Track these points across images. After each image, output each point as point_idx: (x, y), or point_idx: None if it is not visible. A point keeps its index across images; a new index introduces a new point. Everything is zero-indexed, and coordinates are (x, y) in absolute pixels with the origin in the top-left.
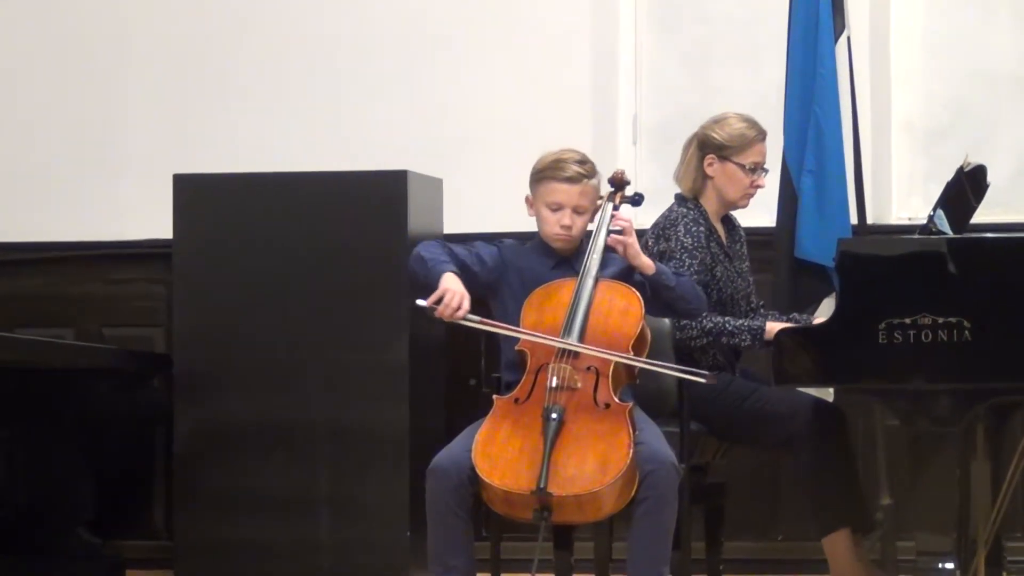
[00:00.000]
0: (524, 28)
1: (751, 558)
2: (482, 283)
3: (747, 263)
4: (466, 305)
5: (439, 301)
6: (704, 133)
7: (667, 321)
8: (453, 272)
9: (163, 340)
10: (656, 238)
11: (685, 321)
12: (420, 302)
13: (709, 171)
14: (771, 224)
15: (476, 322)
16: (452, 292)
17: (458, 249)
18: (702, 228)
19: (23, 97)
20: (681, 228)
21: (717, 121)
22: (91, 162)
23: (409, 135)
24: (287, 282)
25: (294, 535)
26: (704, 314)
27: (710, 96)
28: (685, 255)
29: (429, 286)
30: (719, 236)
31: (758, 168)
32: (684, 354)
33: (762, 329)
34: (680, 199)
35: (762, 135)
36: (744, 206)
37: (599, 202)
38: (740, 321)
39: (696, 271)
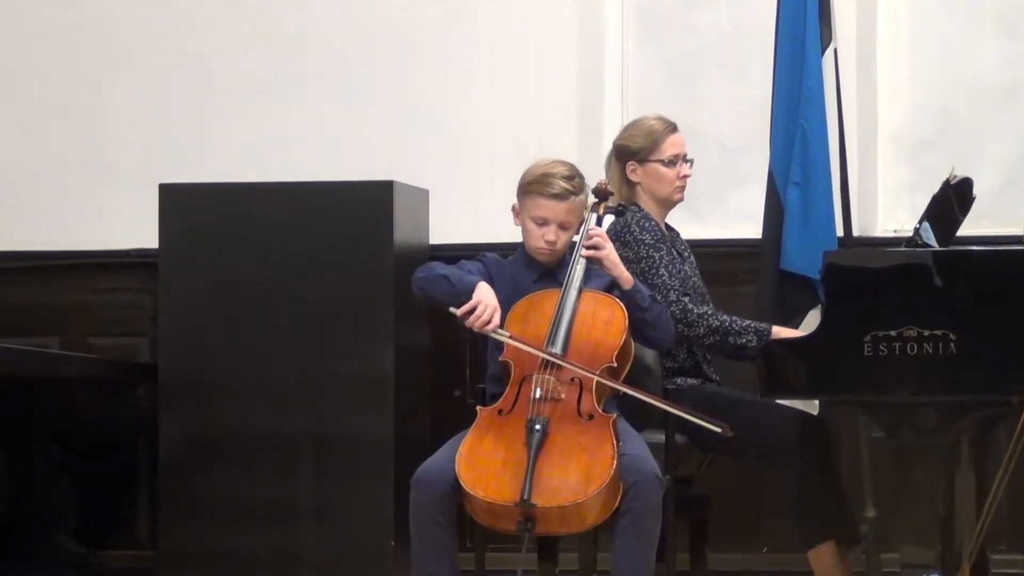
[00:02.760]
0: (511, 40)
1: (736, 570)
2: None
3: (695, 264)
4: (496, 319)
5: (471, 311)
6: (617, 144)
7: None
8: (485, 283)
9: (148, 349)
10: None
11: (692, 318)
12: (453, 310)
13: (633, 178)
14: (757, 236)
15: (505, 337)
16: (485, 304)
17: (449, 268)
18: (654, 223)
19: (7, 106)
20: (635, 228)
21: (626, 129)
22: (77, 171)
23: (395, 146)
24: (273, 292)
25: (278, 545)
26: (711, 311)
27: (696, 108)
28: (651, 251)
29: (457, 296)
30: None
31: (678, 159)
32: (667, 354)
33: (768, 330)
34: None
35: (671, 127)
36: (679, 199)
37: (584, 213)
38: (746, 321)
39: (667, 261)
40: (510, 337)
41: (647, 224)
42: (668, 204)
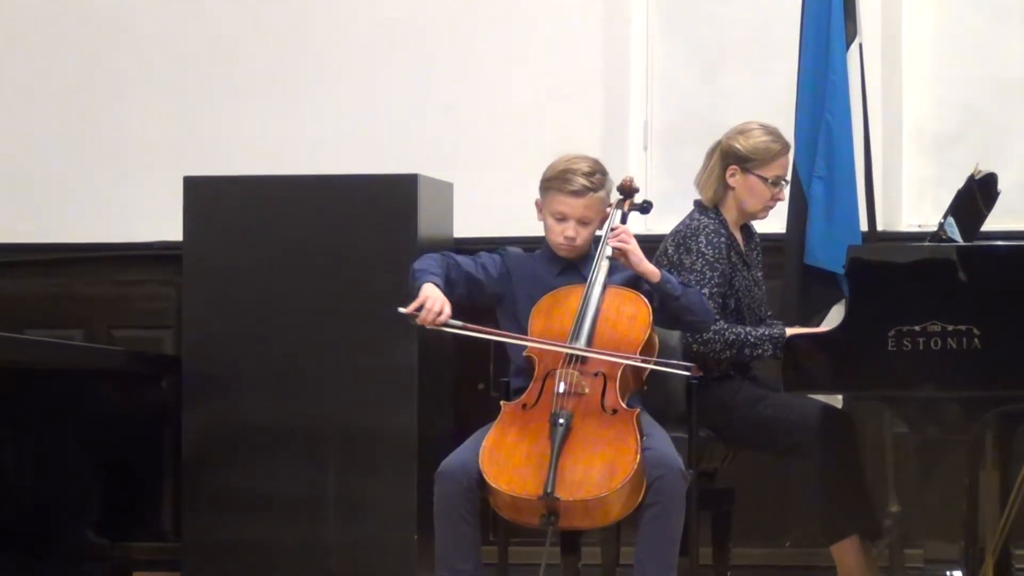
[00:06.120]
0: (536, 33)
1: (759, 564)
2: (488, 292)
3: (762, 270)
4: (447, 311)
5: (420, 308)
6: (728, 143)
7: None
8: (434, 283)
9: (172, 342)
10: (676, 247)
11: (708, 335)
12: (400, 309)
13: (731, 182)
14: (781, 230)
15: (458, 327)
16: (432, 299)
17: (462, 259)
18: (723, 239)
19: (32, 98)
20: (703, 239)
21: (742, 132)
22: (101, 164)
23: (420, 139)
24: (296, 285)
25: (301, 537)
26: (725, 326)
27: (721, 102)
28: (706, 268)
29: (412, 295)
30: (738, 244)
31: (780, 181)
32: (697, 358)
33: (782, 337)
34: (700, 207)
35: (786, 148)
36: (763, 217)
37: (608, 210)
38: (760, 331)
39: (716, 283)
40: (463, 327)
41: (715, 240)
42: (750, 217)
